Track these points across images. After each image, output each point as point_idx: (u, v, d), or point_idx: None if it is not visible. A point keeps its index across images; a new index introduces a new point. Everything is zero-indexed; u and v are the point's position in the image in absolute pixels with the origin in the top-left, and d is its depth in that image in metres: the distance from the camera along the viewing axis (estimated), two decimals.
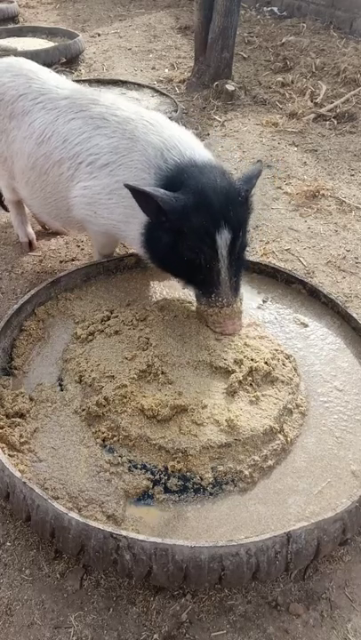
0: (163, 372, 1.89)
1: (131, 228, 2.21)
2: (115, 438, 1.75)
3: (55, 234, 3.04)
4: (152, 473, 1.69)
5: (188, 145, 2.14)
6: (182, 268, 2.05)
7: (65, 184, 2.30)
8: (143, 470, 1.70)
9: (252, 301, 2.38)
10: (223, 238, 1.94)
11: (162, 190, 1.95)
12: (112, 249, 2.58)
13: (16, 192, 2.65)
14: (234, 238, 1.95)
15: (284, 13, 7.04)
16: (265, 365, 1.94)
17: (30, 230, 2.91)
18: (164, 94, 4.48)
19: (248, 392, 1.87)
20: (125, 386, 1.83)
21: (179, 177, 2.02)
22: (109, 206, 2.21)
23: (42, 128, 2.29)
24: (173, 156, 2.08)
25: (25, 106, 2.35)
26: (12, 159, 2.46)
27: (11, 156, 2.46)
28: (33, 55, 5.16)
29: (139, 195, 1.96)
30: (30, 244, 2.89)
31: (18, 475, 1.57)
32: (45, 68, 2.52)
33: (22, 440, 1.74)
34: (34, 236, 2.92)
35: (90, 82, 4.56)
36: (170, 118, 2.33)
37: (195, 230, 1.93)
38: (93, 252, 2.66)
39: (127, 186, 1.97)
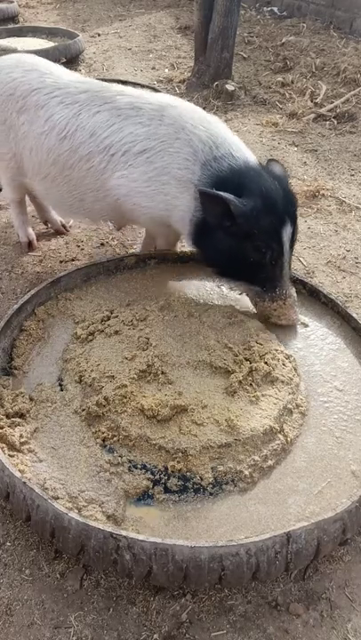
0: (163, 372, 1.89)
1: (172, 217, 2.22)
2: (115, 438, 1.75)
3: (55, 233, 3.04)
4: (152, 473, 1.69)
5: (236, 145, 2.14)
6: (246, 269, 2.09)
7: (95, 177, 2.27)
8: (143, 470, 1.70)
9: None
10: (287, 234, 2.04)
11: (232, 196, 1.96)
12: (175, 240, 2.55)
13: (20, 190, 2.63)
14: (293, 232, 2.08)
15: (284, 13, 7.04)
16: (265, 365, 1.94)
17: (31, 231, 2.91)
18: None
19: (248, 392, 1.87)
20: (125, 386, 1.83)
21: (234, 179, 2.03)
22: (148, 194, 2.20)
23: (63, 123, 2.26)
24: (224, 155, 2.09)
25: (39, 100, 2.31)
26: (21, 155, 2.43)
27: (20, 152, 2.42)
28: None
29: (209, 198, 1.99)
30: (30, 244, 2.89)
31: (18, 475, 1.57)
32: (53, 63, 2.50)
33: (22, 440, 1.74)
34: (34, 237, 2.91)
35: None
36: None
37: (264, 231, 1.99)
38: (157, 245, 2.63)
39: (200, 190, 1.99)
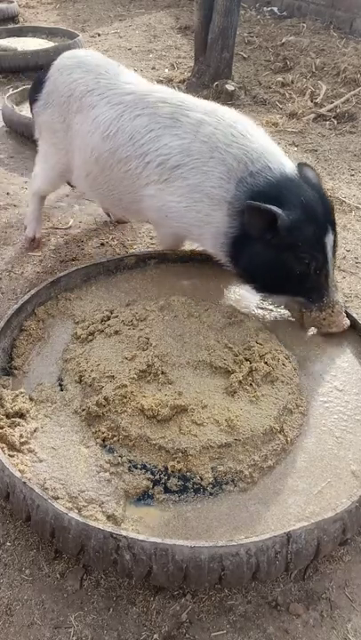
0: (163, 372, 1.89)
1: (204, 234, 2.23)
2: (115, 438, 1.75)
3: (55, 234, 3.04)
4: (152, 473, 1.69)
5: (273, 156, 2.12)
6: (289, 281, 2.07)
7: (131, 180, 2.30)
8: (143, 470, 1.70)
9: (252, 301, 2.38)
10: (329, 242, 2.02)
11: (280, 209, 1.96)
12: (178, 247, 2.60)
13: (55, 186, 2.74)
14: (335, 239, 2.07)
15: (284, 13, 7.04)
16: (265, 365, 1.94)
17: (39, 228, 2.94)
18: None
19: (248, 392, 1.87)
20: (125, 386, 1.83)
21: (271, 192, 2.02)
22: (180, 210, 2.21)
23: (107, 123, 2.29)
24: (260, 169, 2.08)
25: (92, 101, 2.36)
26: (72, 153, 2.50)
27: (72, 150, 2.49)
28: (33, 55, 5.18)
29: (256, 212, 1.97)
30: (34, 240, 2.91)
31: (18, 475, 1.57)
32: (115, 63, 2.54)
33: (22, 440, 1.74)
34: (40, 236, 2.94)
35: None
36: None
37: (307, 242, 1.98)
38: (158, 245, 2.68)
39: (249, 203, 1.98)
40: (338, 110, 4.59)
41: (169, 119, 2.21)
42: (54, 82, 2.51)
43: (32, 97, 2.65)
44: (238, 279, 2.29)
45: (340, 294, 2.16)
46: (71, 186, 3.06)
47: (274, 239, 2.00)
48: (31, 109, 2.70)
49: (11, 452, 1.71)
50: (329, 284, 2.09)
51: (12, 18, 6.88)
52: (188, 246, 2.74)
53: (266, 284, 2.16)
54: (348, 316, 2.24)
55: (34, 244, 2.90)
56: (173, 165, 2.17)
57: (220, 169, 2.12)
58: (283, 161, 2.14)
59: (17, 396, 1.89)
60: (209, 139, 2.14)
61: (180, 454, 1.69)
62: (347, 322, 2.14)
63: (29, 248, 2.90)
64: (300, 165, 2.21)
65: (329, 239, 2.03)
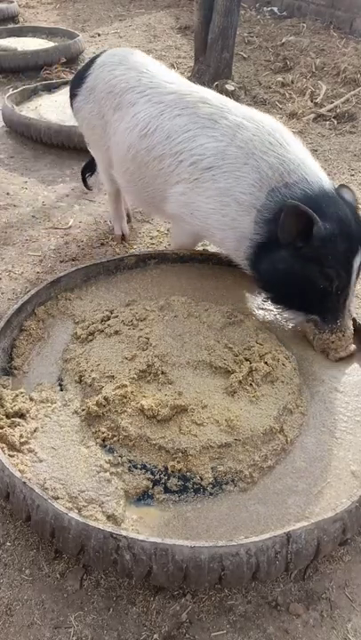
0: (163, 372, 1.89)
1: (226, 237, 2.21)
2: (115, 438, 1.75)
3: (55, 234, 3.04)
4: (152, 473, 1.69)
5: (311, 170, 2.09)
6: (308, 295, 2.03)
7: (163, 178, 2.30)
8: (143, 470, 1.70)
9: (252, 301, 2.38)
10: (357, 263, 1.98)
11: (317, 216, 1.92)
12: (191, 248, 2.60)
13: (114, 182, 2.73)
14: None
15: (284, 13, 7.04)
16: (265, 365, 1.94)
17: (125, 224, 3.00)
18: None
19: (248, 392, 1.87)
20: (125, 386, 1.83)
21: (308, 203, 1.95)
22: (206, 211, 2.20)
23: (146, 121, 2.29)
24: (296, 181, 2.04)
25: (132, 98, 2.37)
26: (111, 149, 2.53)
27: (111, 146, 2.52)
28: (33, 55, 5.18)
29: (295, 214, 1.92)
30: (123, 237, 2.97)
31: (18, 475, 1.57)
32: (156, 62, 2.57)
33: (22, 440, 1.74)
34: (127, 231, 3.00)
35: None
36: None
37: (336, 257, 1.94)
38: (171, 243, 2.68)
39: (290, 203, 1.93)
40: (338, 110, 4.59)
41: (208, 120, 2.20)
42: (95, 78, 2.54)
43: (72, 92, 2.67)
44: (257, 287, 2.25)
45: (350, 322, 2.10)
46: (88, 188, 3.15)
47: (304, 248, 1.96)
48: (71, 104, 2.72)
49: (11, 452, 1.71)
50: (346, 307, 2.05)
51: (12, 18, 6.89)
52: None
53: (284, 295, 2.12)
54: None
55: (124, 239, 2.98)
56: (206, 167, 2.16)
57: (253, 176, 2.08)
58: (320, 175, 2.10)
59: (17, 395, 1.89)
60: (246, 144, 2.11)
61: (180, 454, 1.69)
62: (353, 347, 2.10)
63: (118, 243, 2.97)
64: (340, 186, 2.18)
65: (357, 261, 1.98)
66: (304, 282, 2.01)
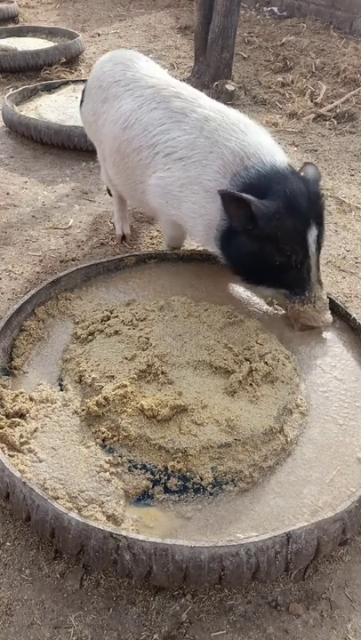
0: (163, 372, 1.89)
1: (197, 225, 2.28)
2: (115, 438, 1.75)
3: (55, 234, 3.04)
4: (152, 473, 1.69)
5: (268, 151, 2.16)
6: (271, 272, 2.10)
7: (142, 170, 2.39)
8: (143, 470, 1.70)
9: (252, 301, 2.38)
10: (312, 236, 2.03)
11: (254, 197, 1.98)
12: (180, 242, 2.66)
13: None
14: (319, 234, 2.08)
15: (284, 13, 7.04)
16: (265, 365, 1.94)
17: (127, 226, 3.02)
18: None
19: (248, 392, 1.87)
20: (125, 386, 1.82)
21: (261, 184, 2.05)
22: (180, 198, 2.28)
23: (127, 114, 2.39)
24: (254, 163, 2.11)
25: (117, 92, 2.47)
26: (103, 143, 2.61)
27: (102, 140, 2.61)
28: (33, 55, 5.18)
29: (231, 200, 2.00)
30: (124, 237, 2.99)
31: (18, 475, 1.57)
32: (144, 57, 2.65)
33: (22, 440, 1.74)
34: (129, 232, 3.02)
35: None
36: None
37: (287, 233, 2.00)
38: (163, 243, 2.75)
39: (221, 192, 2.02)
40: (338, 110, 4.59)
41: (180, 114, 2.28)
42: (90, 78, 2.69)
43: (80, 100, 2.79)
44: (228, 271, 2.31)
45: (324, 291, 2.17)
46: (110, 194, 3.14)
47: (255, 229, 2.02)
48: (80, 113, 2.83)
49: (11, 452, 1.71)
50: (311, 278, 2.11)
51: (12, 18, 6.89)
52: (188, 246, 2.74)
53: (250, 275, 2.20)
54: (349, 316, 2.24)
55: (125, 239, 2.99)
56: (179, 157, 2.25)
57: (217, 163, 2.16)
58: (276, 155, 2.17)
59: (17, 395, 1.89)
60: (212, 134, 2.20)
61: (180, 454, 1.69)
62: (328, 318, 2.16)
63: (118, 243, 2.98)
64: (305, 164, 2.25)
65: (312, 233, 2.04)
66: (265, 260, 2.07)
